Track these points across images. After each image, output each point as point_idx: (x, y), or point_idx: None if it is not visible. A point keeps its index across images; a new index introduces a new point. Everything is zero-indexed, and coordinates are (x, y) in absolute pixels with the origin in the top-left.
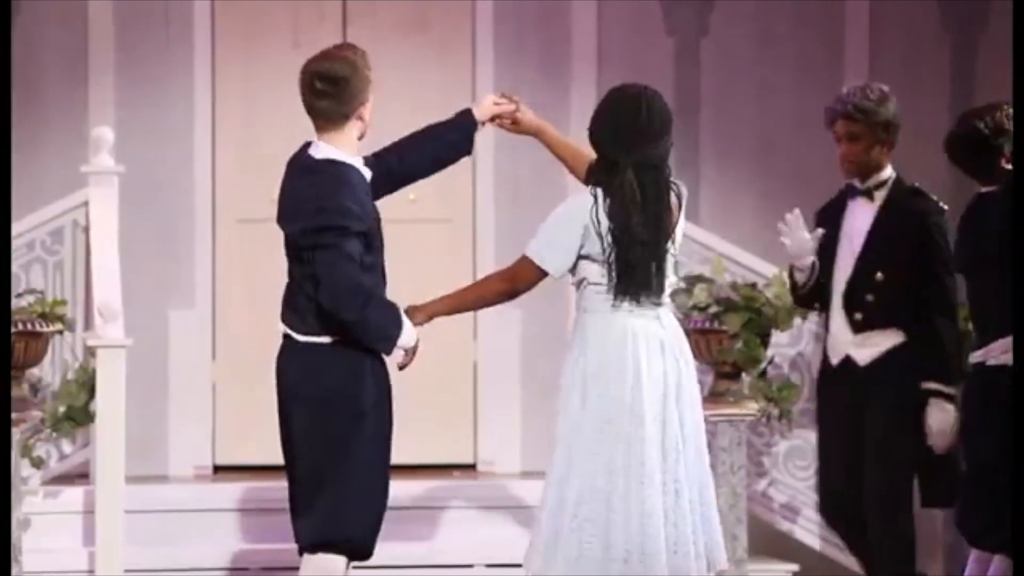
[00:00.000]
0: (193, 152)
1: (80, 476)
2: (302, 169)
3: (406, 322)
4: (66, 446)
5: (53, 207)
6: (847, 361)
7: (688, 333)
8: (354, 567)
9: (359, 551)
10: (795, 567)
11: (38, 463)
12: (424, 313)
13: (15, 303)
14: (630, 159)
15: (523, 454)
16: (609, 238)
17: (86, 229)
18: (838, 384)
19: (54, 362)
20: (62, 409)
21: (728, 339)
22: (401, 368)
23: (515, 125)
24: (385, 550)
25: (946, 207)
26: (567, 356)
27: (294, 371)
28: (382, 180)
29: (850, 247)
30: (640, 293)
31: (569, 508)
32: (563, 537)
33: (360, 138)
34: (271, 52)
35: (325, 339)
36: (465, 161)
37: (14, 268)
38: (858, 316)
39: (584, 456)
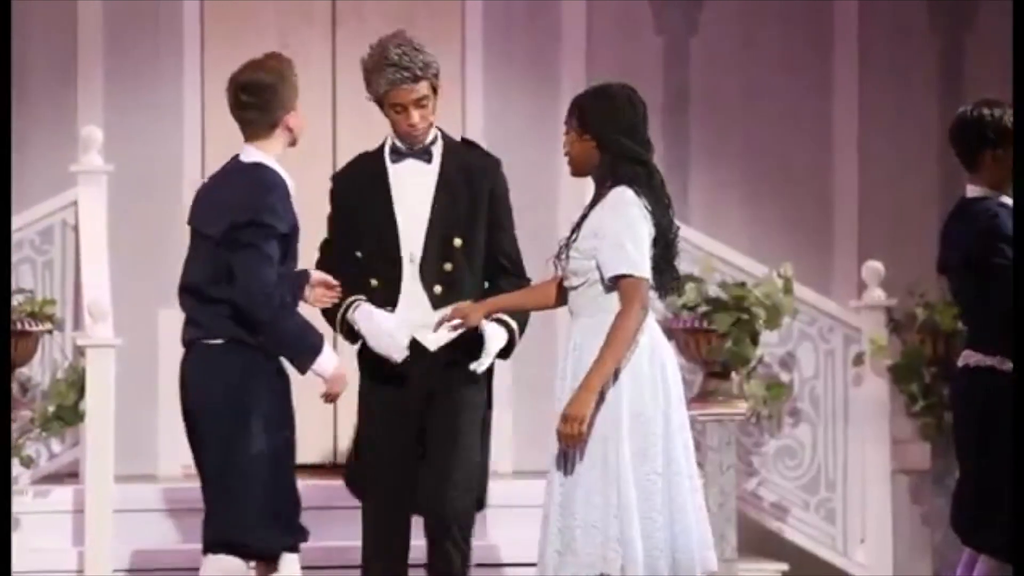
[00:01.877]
0: (182, 151)
1: (69, 475)
2: (229, 172)
3: (327, 348)
4: (55, 445)
5: (42, 207)
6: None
7: (677, 332)
8: (349, 568)
9: (259, 553)
10: (785, 566)
11: (27, 462)
12: (484, 306)
13: None
14: (650, 156)
15: (516, 455)
16: (654, 238)
17: (75, 228)
18: None
19: (43, 361)
20: (51, 408)
21: (717, 338)
22: (327, 401)
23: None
24: None
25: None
26: (590, 358)
27: (194, 374)
28: None
29: None
30: (675, 289)
31: (611, 509)
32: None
33: (292, 145)
34: (259, 53)
35: (219, 340)
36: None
37: None
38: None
39: (621, 455)
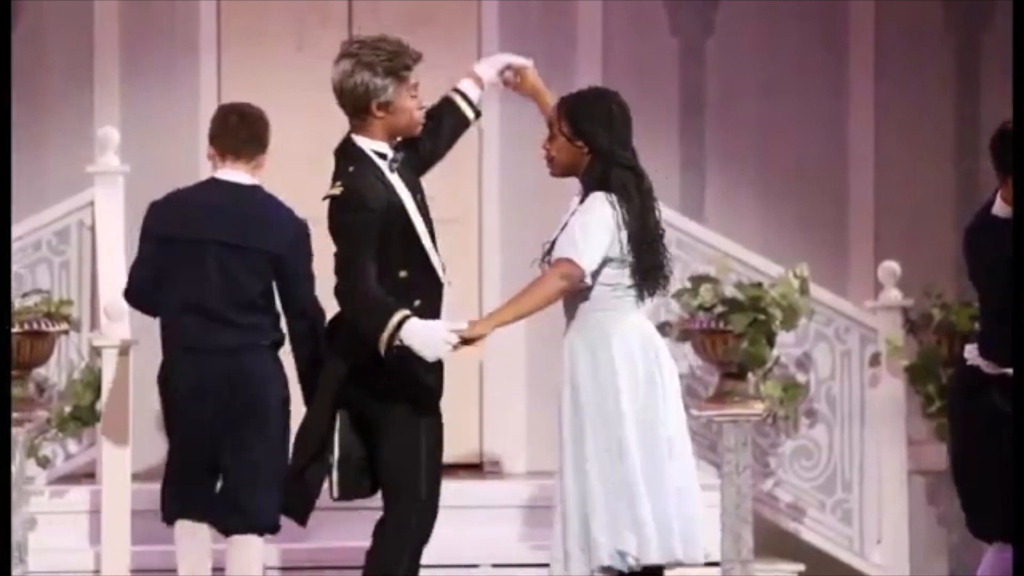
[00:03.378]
0: (198, 152)
1: (86, 476)
2: (241, 189)
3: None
4: (72, 446)
5: (59, 207)
6: None
7: (694, 333)
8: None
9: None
10: (801, 567)
11: (44, 463)
12: (488, 324)
13: (21, 303)
14: (635, 160)
15: (529, 454)
16: (631, 240)
17: (92, 229)
18: None
19: (60, 362)
20: (68, 409)
21: (734, 339)
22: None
23: (519, 81)
24: None
25: None
26: (585, 356)
27: (261, 371)
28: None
29: None
30: (659, 291)
31: (614, 499)
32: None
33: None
34: (276, 53)
35: (269, 343)
36: (471, 161)
37: (20, 268)
38: None
39: (620, 449)
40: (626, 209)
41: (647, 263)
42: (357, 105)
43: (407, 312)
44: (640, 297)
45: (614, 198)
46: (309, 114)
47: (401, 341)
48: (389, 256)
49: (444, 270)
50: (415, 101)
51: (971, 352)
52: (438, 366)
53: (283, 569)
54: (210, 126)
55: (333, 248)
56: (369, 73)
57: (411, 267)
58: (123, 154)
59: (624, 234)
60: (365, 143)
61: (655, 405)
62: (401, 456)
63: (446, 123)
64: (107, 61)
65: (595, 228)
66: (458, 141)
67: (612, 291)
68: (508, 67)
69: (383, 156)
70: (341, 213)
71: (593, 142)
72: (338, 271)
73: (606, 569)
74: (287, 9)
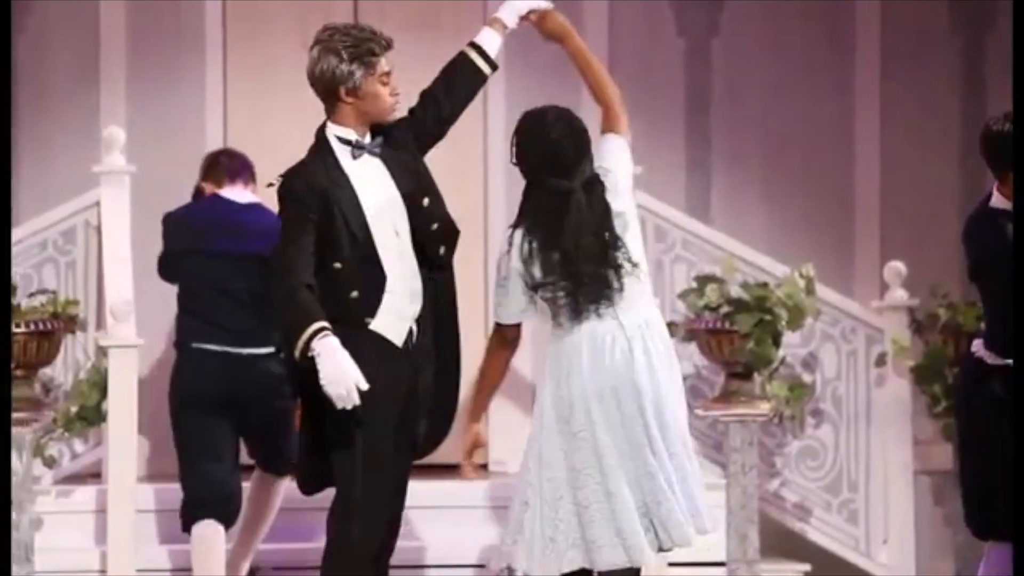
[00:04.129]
0: (204, 151)
1: (92, 476)
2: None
3: None
4: (78, 445)
5: (65, 207)
6: None
7: (699, 333)
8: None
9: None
10: (807, 567)
11: (50, 462)
12: (474, 418)
13: (27, 303)
14: (578, 180)
15: None
16: (546, 265)
17: (98, 229)
18: None
19: (66, 362)
20: (74, 409)
21: (739, 339)
22: None
23: (542, 22)
24: (398, 550)
25: None
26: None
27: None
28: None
29: None
30: (598, 306)
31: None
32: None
33: None
34: (281, 53)
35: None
36: (476, 160)
37: (26, 268)
38: None
39: (550, 456)
40: (536, 237)
41: (576, 285)
42: (326, 91)
43: (323, 324)
44: (577, 309)
45: (516, 233)
46: (314, 113)
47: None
48: (327, 246)
49: (427, 260)
50: (387, 88)
51: (977, 345)
52: (409, 360)
53: (279, 569)
54: (201, 171)
55: None
56: (335, 59)
57: (351, 259)
58: (129, 154)
59: (536, 265)
60: (332, 129)
61: (578, 413)
62: (337, 455)
63: (460, 81)
64: (113, 61)
65: (501, 280)
66: (476, 96)
67: (552, 313)
68: (531, 12)
69: (348, 142)
70: (279, 203)
71: (534, 170)
72: (269, 262)
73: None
74: (292, 9)
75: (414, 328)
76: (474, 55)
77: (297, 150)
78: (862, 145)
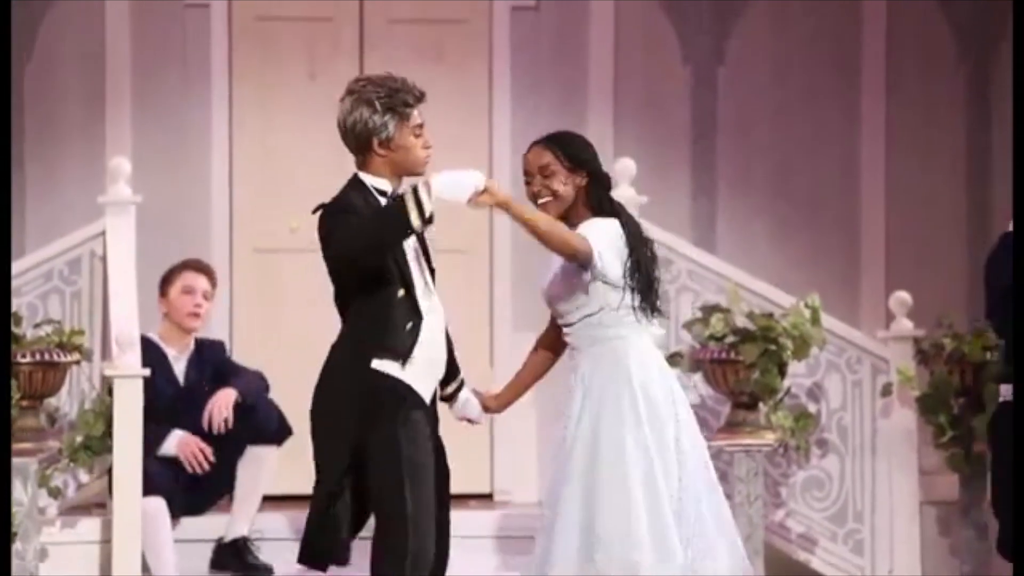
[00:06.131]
0: (210, 182)
1: (97, 506)
2: None
3: None
4: (83, 476)
5: (71, 237)
6: None
7: (705, 363)
8: None
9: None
10: None
11: (55, 493)
12: (499, 401)
13: (33, 333)
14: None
15: (539, 484)
16: (634, 261)
17: (103, 259)
18: None
19: (71, 392)
20: (79, 439)
21: (745, 369)
22: None
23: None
24: None
25: None
26: (617, 384)
27: None
28: None
29: None
30: (661, 312)
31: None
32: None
33: None
34: (288, 83)
35: None
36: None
37: (32, 298)
38: None
39: (646, 475)
40: (628, 230)
41: (651, 285)
42: (359, 142)
43: (412, 185)
44: (650, 320)
45: (616, 223)
46: (321, 143)
47: (430, 196)
48: (376, 274)
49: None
50: (420, 140)
51: (1005, 390)
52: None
53: None
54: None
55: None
56: (369, 110)
57: (403, 290)
58: (135, 184)
59: (629, 255)
60: (368, 179)
61: (674, 432)
62: (383, 476)
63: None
64: (119, 92)
65: (611, 236)
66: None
67: (622, 316)
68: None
69: (383, 193)
70: (328, 219)
71: (594, 171)
72: (333, 240)
73: None
74: (298, 39)
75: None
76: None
77: (303, 179)
78: (868, 173)
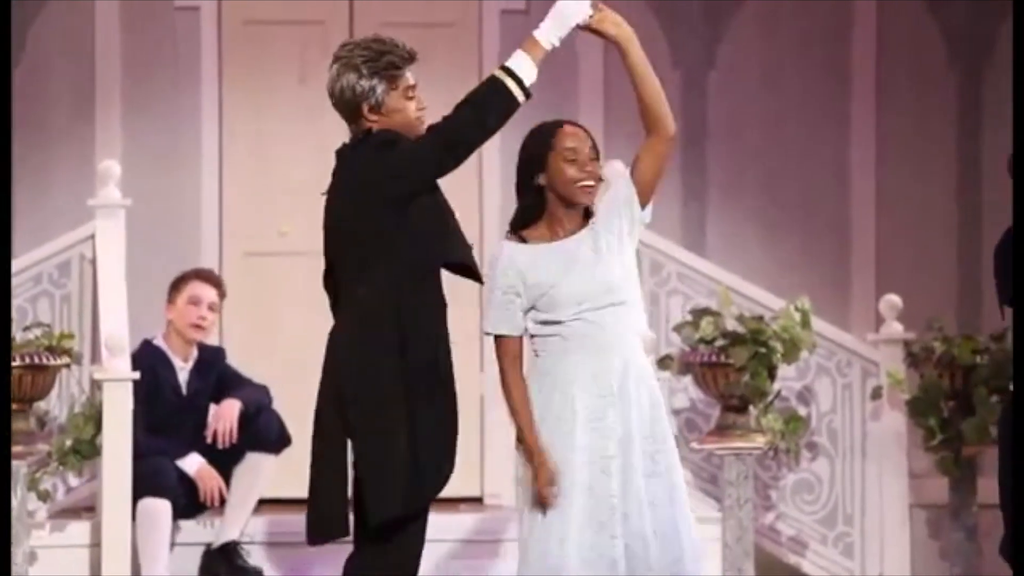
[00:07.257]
0: (200, 185)
1: (86, 509)
2: None
3: None
4: (72, 479)
5: (60, 240)
6: None
7: (695, 366)
8: None
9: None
10: None
11: (45, 496)
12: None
13: (22, 337)
14: None
15: None
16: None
17: (93, 262)
18: None
19: (61, 395)
20: (68, 442)
21: (735, 372)
22: None
23: (602, 26)
24: None
25: None
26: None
27: None
28: None
29: None
30: None
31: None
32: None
33: None
34: (278, 86)
35: None
36: (471, 188)
37: (21, 302)
38: None
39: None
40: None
41: None
42: (349, 110)
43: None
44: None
45: (511, 242)
46: (311, 146)
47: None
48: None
49: None
50: (412, 102)
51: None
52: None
53: None
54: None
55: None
56: (355, 75)
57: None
58: (124, 187)
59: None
60: None
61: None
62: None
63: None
64: (109, 94)
65: (487, 293)
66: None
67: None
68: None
69: None
70: (381, 151)
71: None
72: (419, 155)
73: None
74: (289, 42)
75: None
76: (506, 79)
77: (293, 181)
78: (858, 177)
